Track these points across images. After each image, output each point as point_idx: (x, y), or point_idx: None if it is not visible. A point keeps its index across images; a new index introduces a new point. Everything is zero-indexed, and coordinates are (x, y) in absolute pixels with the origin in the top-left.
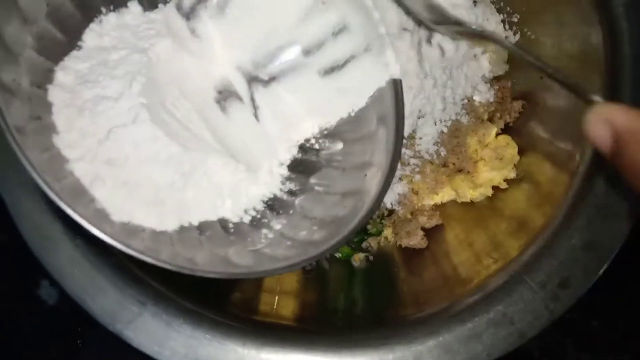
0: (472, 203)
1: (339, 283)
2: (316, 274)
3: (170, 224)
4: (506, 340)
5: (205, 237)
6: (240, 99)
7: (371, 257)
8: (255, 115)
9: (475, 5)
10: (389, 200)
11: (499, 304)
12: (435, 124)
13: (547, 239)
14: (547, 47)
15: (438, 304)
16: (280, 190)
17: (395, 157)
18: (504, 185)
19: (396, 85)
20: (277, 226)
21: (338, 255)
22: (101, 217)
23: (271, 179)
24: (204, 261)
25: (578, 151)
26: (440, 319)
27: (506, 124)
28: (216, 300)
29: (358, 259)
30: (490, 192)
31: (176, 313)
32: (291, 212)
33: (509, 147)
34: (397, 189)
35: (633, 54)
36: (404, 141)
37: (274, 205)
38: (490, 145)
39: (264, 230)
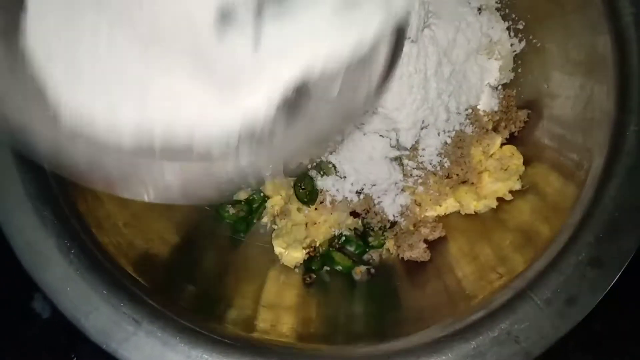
0: (476, 215)
1: (340, 297)
2: (317, 288)
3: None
4: None
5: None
6: (242, 23)
7: (373, 270)
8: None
9: (480, 13)
10: (391, 212)
11: (504, 322)
12: (439, 135)
13: (553, 255)
14: (554, 55)
15: (441, 320)
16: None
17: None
18: (509, 197)
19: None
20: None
21: (339, 268)
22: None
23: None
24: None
25: (586, 162)
26: (444, 337)
27: (511, 134)
28: (214, 317)
29: (359, 272)
30: (494, 204)
31: (172, 332)
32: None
33: (514, 158)
34: (400, 200)
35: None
36: (407, 152)
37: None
38: (495, 155)
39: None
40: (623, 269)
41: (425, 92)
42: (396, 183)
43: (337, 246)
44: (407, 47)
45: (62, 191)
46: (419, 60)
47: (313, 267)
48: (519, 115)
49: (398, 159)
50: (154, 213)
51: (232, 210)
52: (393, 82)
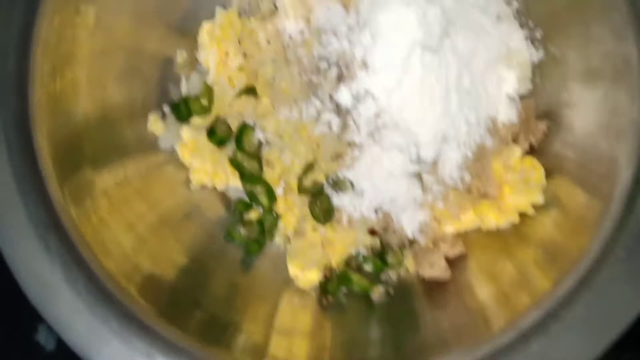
0: (497, 231)
1: (358, 320)
2: (333, 310)
3: None
4: None
5: None
6: None
7: (391, 291)
8: None
9: (498, 21)
10: (410, 229)
11: (535, 344)
12: (459, 148)
13: (584, 271)
14: (574, 63)
15: (466, 343)
16: None
17: None
18: (531, 211)
19: None
20: None
21: (356, 288)
22: None
23: None
24: None
25: (612, 174)
26: None
27: (531, 146)
28: (227, 347)
29: (377, 292)
30: (517, 219)
31: None
32: None
33: (535, 170)
34: (419, 216)
35: None
36: (427, 167)
37: None
38: (515, 168)
39: None
40: None
41: (447, 104)
42: (415, 199)
43: (354, 266)
44: (428, 57)
45: (67, 216)
46: (440, 71)
47: (330, 289)
48: (539, 127)
49: (417, 174)
50: (162, 235)
51: (243, 231)
52: (414, 96)
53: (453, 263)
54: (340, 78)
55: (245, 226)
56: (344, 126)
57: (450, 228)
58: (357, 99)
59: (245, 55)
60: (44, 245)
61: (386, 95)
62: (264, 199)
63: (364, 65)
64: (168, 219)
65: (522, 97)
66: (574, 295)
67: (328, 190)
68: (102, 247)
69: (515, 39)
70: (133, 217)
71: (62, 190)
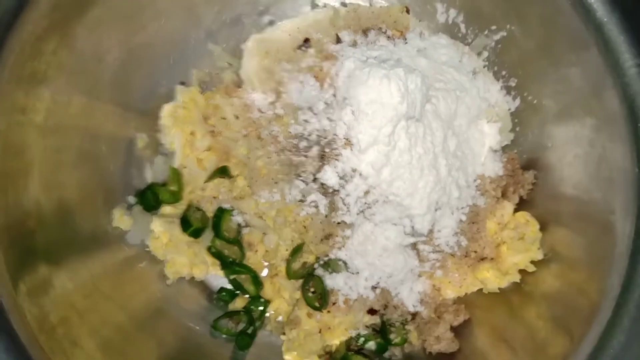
0: (500, 291)
1: None
2: None
3: None
4: None
5: None
6: None
7: None
8: None
9: (474, 77)
10: (411, 302)
11: None
12: (453, 213)
13: (599, 335)
14: (552, 111)
15: None
16: None
17: None
18: (531, 268)
19: None
20: None
21: None
22: None
23: None
24: None
25: (612, 224)
26: None
27: (521, 199)
28: None
29: None
30: (518, 278)
31: None
32: None
33: (530, 224)
34: (417, 287)
35: None
36: (423, 237)
37: None
38: (510, 225)
39: None
40: None
41: (437, 172)
42: (412, 270)
43: (355, 348)
44: (413, 128)
45: (17, 317)
46: (425, 139)
47: None
48: (526, 177)
49: (412, 245)
50: (134, 337)
51: (230, 324)
52: (403, 169)
53: (458, 331)
54: (322, 157)
55: (232, 317)
56: (332, 206)
57: (451, 294)
58: (344, 178)
59: (213, 133)
60: None
61: (375, 172)
62: (250, 287)
63: (348, 143)
64: (141, 318)
65: (506, 149)
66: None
67: (319, 271)
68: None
69: (492, 90)
70: (98, 320)
71: (14, 284)
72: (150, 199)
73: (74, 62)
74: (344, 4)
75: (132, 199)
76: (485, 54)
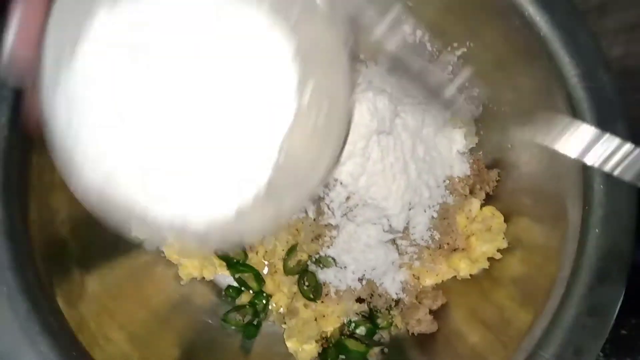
0: (471, 277)
1: None
2: None
3: None
4: None
5: None
6: None
7: (386, 350)
8: None
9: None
10: (394, 290)
11: None
12: (425, 211)
13: (554, 309)
14: (510, 116)
15: None
16: None
17: None
18: (498, 256)
19: None
20: None
21: (353, 354)
22: None
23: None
24: None
25: (563, 214)
26: None
27: (487, 194)
28: None
29: (374, 354)
30: (487, 265)
31: None
32: None
33: (495, 217)
34: (399, 277)
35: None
36: (400, 234)
37: None
38: (477, 218)
39: None
40: (616, 313)
41: (407, 177)
42: (393, 262)
43: (347, 333)
44: (384, 141)
45: (58, 319)
46: (396, 149)
47: (329, 358)
48: (490, 176)
49: (392, 241)
50: (155, 330)
51: (237, 317)
52: (377, 176)
53: (438, 314)
54: None
55: (239, 311)
56: (319, 211)
57: (429, 282)
58: (327, 187)
59: None
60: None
61: (353, 180)
62: (253, 283)
63: None
64: (161, 314)
65: (472, 151)
66: (549, 333)
67: (313, 268)
68: (95, 346)
69: (457, 102)
70: (125, 317)
71: (53, 290)
72: None
73: None
74: None
75: None
76: (450, 68)
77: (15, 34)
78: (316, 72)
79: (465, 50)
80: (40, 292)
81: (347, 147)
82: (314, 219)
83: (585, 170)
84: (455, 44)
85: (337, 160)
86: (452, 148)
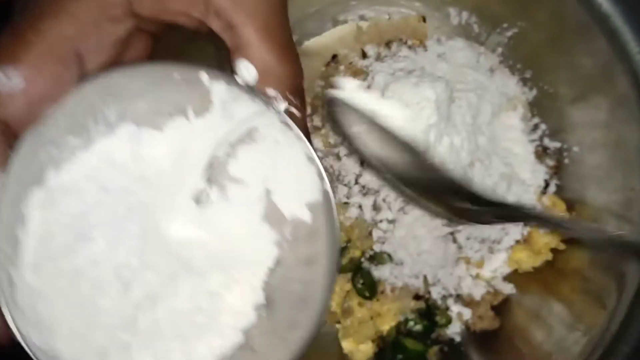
0: (534, 270)
1: None
2: None
3: None
4: None
5: None
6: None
7: (446, 349)
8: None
9: (492, 75)
10: (452, 285)
11: None
12: None
13: (629, 302)
14: (568, 99)
15: None
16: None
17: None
18: (562, 247)
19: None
20: None
21: (411, 354)
22: None
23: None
24: None
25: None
26: None
27: (546, 182)
28: None
29: (433, 353)
30: (550, 256)
31: None
32: None
33: (557, 206)
34: (457, 272)
35: None
36: (459, 227)
37: None
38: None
39: None
40: None
41: (466, 167)
42: (451, 257)
43: (404, 331)
44: (444, 136)
45: None
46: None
47: (386, 359)
48: (549, 162)
49: (451, 234)
50: None
51: None
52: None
53: (499, 310)
54: (362, 163)
55: None
56: (375, 206)
57: (489, 276)
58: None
59: None
60: None
61: None
62: None
63: None
64: None
65: (529, 137)
66: (628, 326)
67: (367, 265)
68: None
69: (510, 84)
70: None
71: None
72: None
73: None
74: (363, 19)
75: None
76: (500, 50)
77: None
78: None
79: (516, 30)
80: None
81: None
82: (370, 214)
83: None
84: (504, 25)
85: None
86: (508, 135)
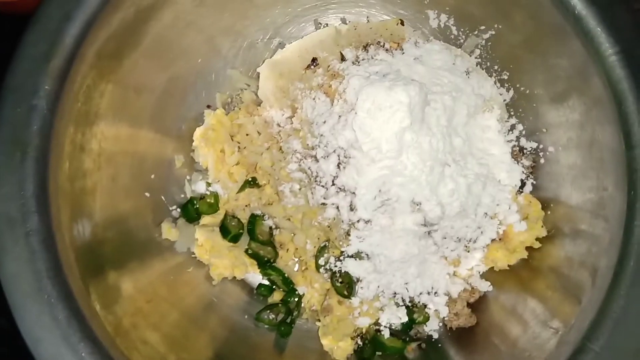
0: (510, 268)
1: None
2: None
3: None
4: None
5: None
6: None
7: (423, 345)
8: None
9: (469, 77)
10: (429, 284)
11: None
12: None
13: (601, 300)
14: (544, 99)
15: None
16: None
17: None
18: (537, 245)
19: None
20: None
21: (390, 350)
22: None
23: None
24: None
25: (607, 201)
26: None
27: (522, 182)
28: None
29: (411, 350)
30: (525, 254)
31: None
32: None
33: (532, 205)
34: (435, 271)
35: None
36: (435, 226)
37: None
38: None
39: None
40: None
41: (442, 170)
42: (428, 256)
43: (383, 329)
44: (418, 137)
45: (96, 323)
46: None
47: (365, 356)
48: (525, 162)
49: (427, 233)
50: (188, 331)
51: (270, 316)
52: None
53: (476, 307)
54: (339, 165)
55: (272, 309)
56: (352, 206)
57: (465, 274)
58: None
59: (239, 149)
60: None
61: (388, 180)
62: (282, 285)
63: (360, 150)
64: (194, 315)
65: (505, 137)
66: (596, 325)
67: (345, 264)
68: (132, 350)
69: (486, 86)
70: (159, 319)
71: (90, 295)
72: (191, 211)
73: (117, 101)
74: (344, 22)
75: (176, 213)
76: (477, 52)
77: None
78: None
79: (493, 32)
80: (78, 298)
81: (381, 137)
82: (346, 215)
83: (629, 152)
84: (482, 27)
85: None
86: (485, 135)
